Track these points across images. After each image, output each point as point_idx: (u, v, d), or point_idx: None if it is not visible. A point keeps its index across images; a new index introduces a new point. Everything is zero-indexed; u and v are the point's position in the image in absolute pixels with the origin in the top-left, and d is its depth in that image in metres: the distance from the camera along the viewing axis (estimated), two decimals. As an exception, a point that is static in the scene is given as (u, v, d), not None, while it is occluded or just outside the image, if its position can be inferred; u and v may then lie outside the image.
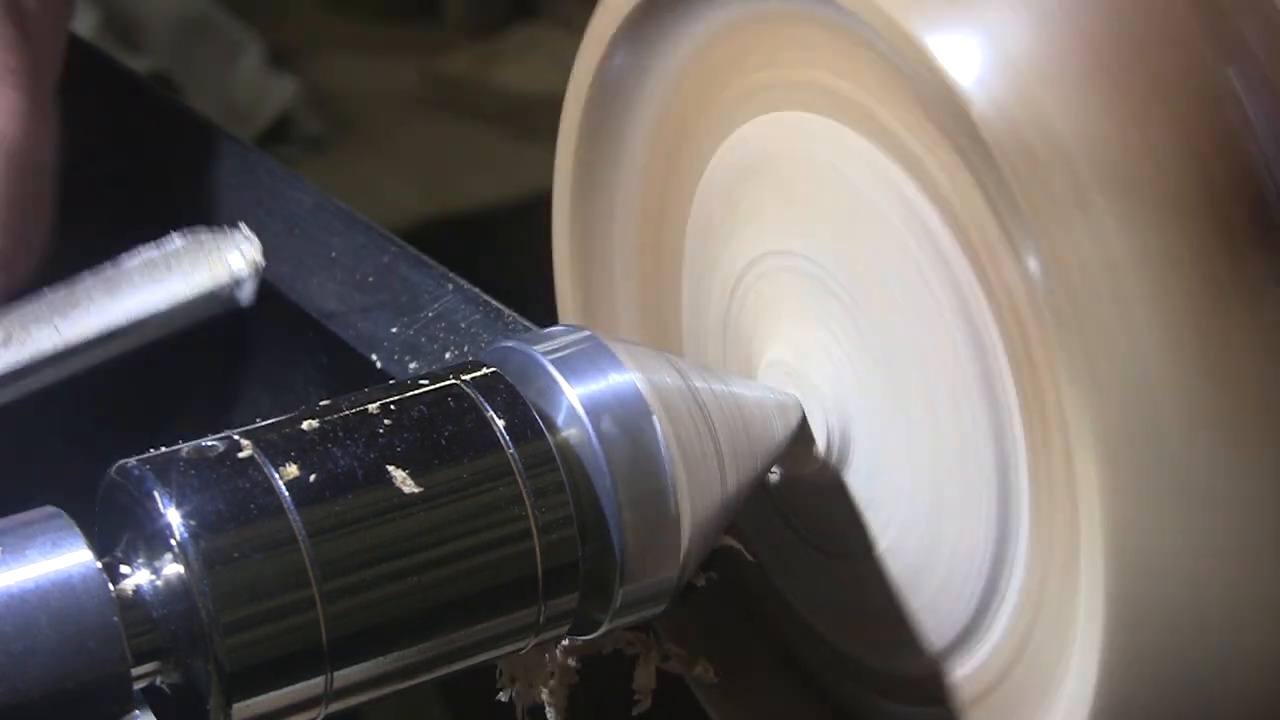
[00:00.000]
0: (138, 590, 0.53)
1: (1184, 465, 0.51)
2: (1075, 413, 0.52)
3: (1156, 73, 0.52)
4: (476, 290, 0.81)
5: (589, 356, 0.59)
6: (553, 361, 0.58)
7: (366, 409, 0.56)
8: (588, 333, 0.60)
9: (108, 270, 0.71)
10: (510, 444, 0.56)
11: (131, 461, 0.54)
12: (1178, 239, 0.51)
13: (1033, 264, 0.51)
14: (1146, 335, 0.51)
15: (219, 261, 0.70)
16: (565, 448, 0.57)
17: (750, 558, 0.66)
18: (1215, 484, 0.51)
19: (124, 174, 0.92)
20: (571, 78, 0.68)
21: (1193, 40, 0.52)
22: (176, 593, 0.53)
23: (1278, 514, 0.52)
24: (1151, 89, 0.52)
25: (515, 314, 0.79)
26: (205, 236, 0.70)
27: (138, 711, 0.52)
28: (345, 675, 0.54)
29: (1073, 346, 0.51)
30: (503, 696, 0.65)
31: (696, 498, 0.58)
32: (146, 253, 0.72)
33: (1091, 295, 0.51)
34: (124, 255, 0.72)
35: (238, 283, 0.70)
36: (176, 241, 0.70)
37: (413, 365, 0.77)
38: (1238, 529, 0.52)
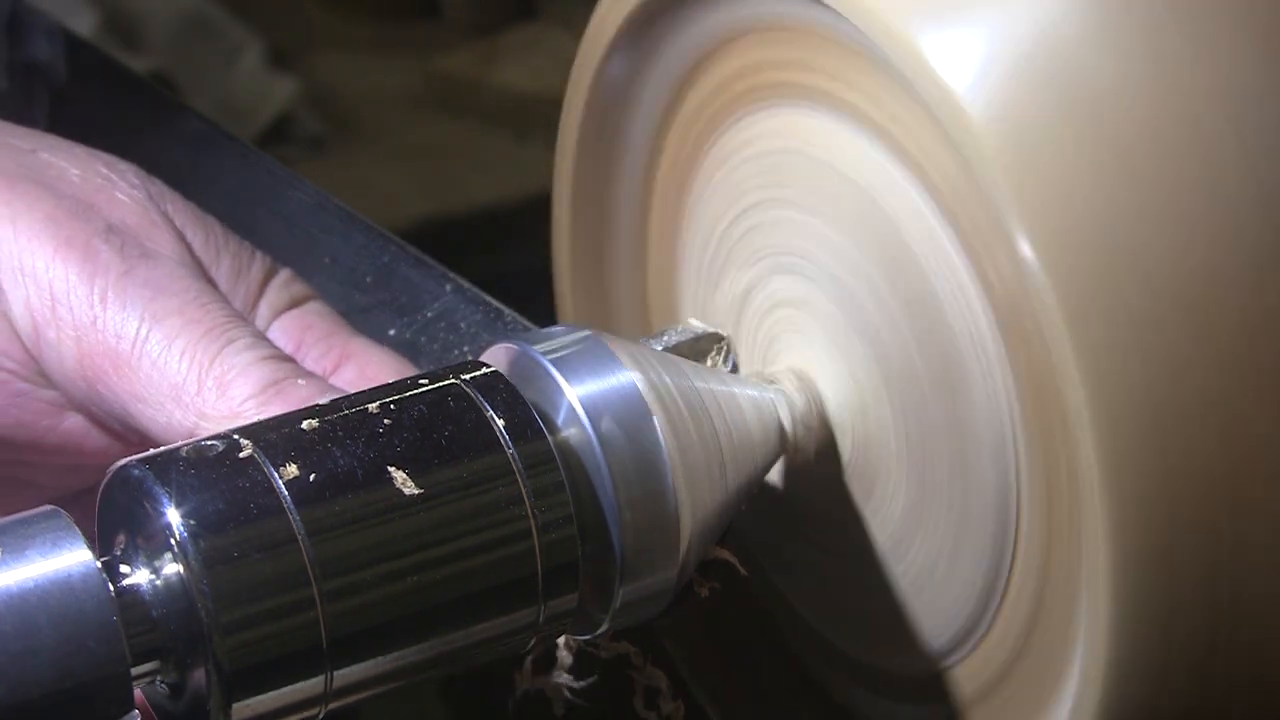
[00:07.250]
0: (137, 590, 0.53)
1: (1190, 458, 0.51)
2: (1076, 412, 0.52)
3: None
4: (476, 290, 0.81)
5: (589, 356, 0.59)
6: (553, 361, 0.58)
7: (366, 409, 0.56)
8: (588, 333, 0.60)
9: None
10: (510, 444, 0.56)
11: (131, 461, 0.54)
12: None
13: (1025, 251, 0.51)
14: (1153, 334, 0.51)
15: None
16: (565, 448, 0.57)
17: (744, 571, 0.65)
18: (1223, 480, 0.52)
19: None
20: (572, 78, 0.68)
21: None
22: (176, 592, 0.53)
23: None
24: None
25: (515, 314, 0.79)
26: None
27: (136, 711, 0.52)
28: (345, 675, 0.54)
29: (1074, 350, 0.51)
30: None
31: (696, 498, 0.58)
32: None
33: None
34: None
35: None
36: None
37: (412, 365, 0.76)
38: (1244, 517, 0.52)
